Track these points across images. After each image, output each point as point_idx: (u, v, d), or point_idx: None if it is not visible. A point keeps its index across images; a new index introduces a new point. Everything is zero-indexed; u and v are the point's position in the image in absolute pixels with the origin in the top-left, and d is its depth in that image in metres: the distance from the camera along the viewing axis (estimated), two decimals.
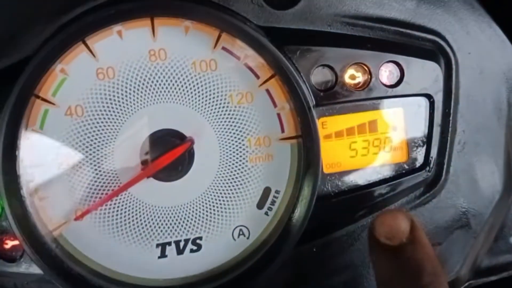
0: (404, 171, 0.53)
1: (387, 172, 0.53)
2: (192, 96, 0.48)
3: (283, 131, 0.50)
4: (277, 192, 0.51)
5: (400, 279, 0.42)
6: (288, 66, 0.46)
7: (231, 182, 0.50)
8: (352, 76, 0.51)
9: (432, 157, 0.53)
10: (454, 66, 0.53)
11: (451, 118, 0.54)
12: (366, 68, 0.51)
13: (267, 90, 0.49)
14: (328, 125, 0.51)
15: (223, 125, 0.49)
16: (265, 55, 0.48)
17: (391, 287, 0.42)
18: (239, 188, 0.51)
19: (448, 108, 0.53)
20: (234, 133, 0.50)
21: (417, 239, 0.43)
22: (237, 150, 0.50)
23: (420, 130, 0.53)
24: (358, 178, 0.53)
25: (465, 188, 0.56)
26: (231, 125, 0.49)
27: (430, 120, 0.53)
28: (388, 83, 0.52)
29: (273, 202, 0.51)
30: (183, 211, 0.50)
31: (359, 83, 0.51)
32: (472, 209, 0.56)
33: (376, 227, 0.43)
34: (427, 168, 0.54)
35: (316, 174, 0.48)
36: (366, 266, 0.54)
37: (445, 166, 0.54)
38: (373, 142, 0.52)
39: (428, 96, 0.53)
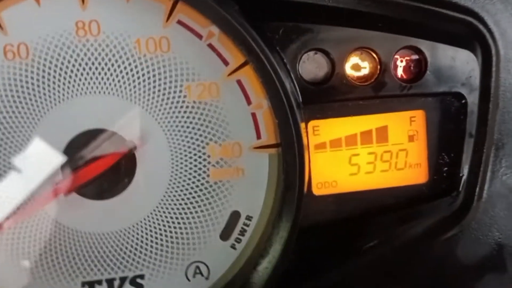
0: (423, 196, 0.46)
1: (400, 197, 0.46)
2: (134, 87, 0.41)
3: (259, 137, 0.43)
4: (248, 218, 0.44)
5: None
6: (263, 49, 0.38)
7: (186, 204, 0.43)
8: (356, 66, 0.44)
9: (461, 178, 0.46)
10: (494, 58, 0.45)
11: (488, 127, 0.46)
12: (375, 56, 0.44)
13: (239, 82, 0.42)
14: (321, 131, 0.45)
15: (177, 126, 0.42)
16: (234, 34, 0.40)
17: None
18: (196, 212, 0.43)
19: (485, 113, 0.45)
20: (192, 138, 0.42)
21: None
22: (195, 161, 0.43)
23: (446, 141, 0.46)
24: (360, 203, 0.46)
25: (503, 220, 0.48)
26: (188, 127, 0.42)
27: (460, 129, 0.46)
28: (404, 77, 0.45)
29: (242, 232, 0.44)
30: (119, 240, 0.42)
31: (364, 76, 0.44)
32: (510, 247, 0.48)
33: None
34: (455, 193, 0.46)
35: (297, 198, 0.40)
36: None
37: (477, 190, 0.46)
38: (381, 155, 0.46)
39: (459, 96, 0.45)
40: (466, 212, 0.46)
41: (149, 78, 0.40)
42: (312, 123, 0.44)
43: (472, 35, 0.44)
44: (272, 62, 0.38)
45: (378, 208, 0.45)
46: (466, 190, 0.46)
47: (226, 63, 0.41)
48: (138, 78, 0.40)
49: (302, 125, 0.41)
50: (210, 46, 0.40)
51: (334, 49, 0.42)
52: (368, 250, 0.45)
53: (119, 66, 0.40)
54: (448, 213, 0.46)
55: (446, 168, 0.46)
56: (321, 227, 0.45)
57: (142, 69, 0.40)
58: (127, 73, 0.40)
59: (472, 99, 0.45)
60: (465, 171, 0.46)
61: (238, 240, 0.43)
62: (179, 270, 0.43)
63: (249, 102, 0.42)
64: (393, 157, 0.45)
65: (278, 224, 0.40)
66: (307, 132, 0.43)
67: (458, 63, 0.44)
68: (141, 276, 0.42)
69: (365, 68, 0.44)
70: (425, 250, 0.45)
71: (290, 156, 0.38)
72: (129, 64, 0.40)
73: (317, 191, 0.45)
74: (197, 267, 0.43)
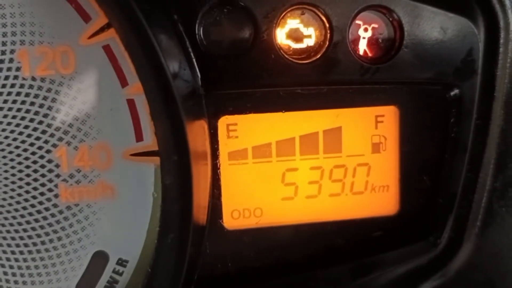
0: (390, 235, 0.36)
1: (357, 236, 0.37)
2: None
3: (140, 138, 0.32)
4: (121, 263, 0.33)
5: None
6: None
7: (21, 238, 0.32)
8: (294, 33, 0.33)
9: (449, 211, 0.36)
10: (502, 33, 0.35)
11: (489, 134, 0.36)
12: (323, 18, 0.33)
13: (107, 49, 0.31)
14: (240, 132, 0.34)
15: (4, 117, 0.31)
16: None
17: None
18: (38, 251, 0.32)
19: (486, 113, 0.36)
20: (29, 137, 0.31)
21: None
22: (35, 172, 0.32)
23: (427, 154, 0.37)
24: (297, 244, 0.35)
25: (504, 266, 0.38)
26: (22, 119, 0.31)
27: (449, 136, 0.36)
28: (369, 54, 0.35)
29: (111, 284, 0.33)
30: None
31: (308, 49, 0.33)
32: None
33: None
34: (436, 232, 0.36)
35: (182, 242, 0.28)
36: None
37: (468, 226, 0.37)
38: (331, 172, 0.35)
39: (449, 86, 0.35)
40: (450, 258, 0.37)
41: None
42: (224, 120, 0.33)
43: None
44: (137, 17, 0.25)
45: (321, 253, 0.36)
46: (453, 228, 0.36)
47: (86, 17, 0.30)
48: None
49: (200, 123, 0.30)
50: None
51: (258, 3, 0.31)
52: None
53: None
54: (425, 259, 0.37)
55: (425, 195, 0.36)
56: (234, 279, 0.34)
57: None
58: None
59: (470, 92, 0.35)
60: (454, 200, 0.36)
61: None
62: None
63: (124, 82, 0.31)
64: (349, 175, 0.36)
65: (151, 282, 0.28)
66: (213, 134, 0.32)
67: (451, 36, 0.35)
68: None
69: (309, 37, 0.33)
70: None
71: (169, 176, 0.26)
72: None
73: (230, 223, 0.34)
74: None
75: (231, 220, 0.35)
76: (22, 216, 0.32)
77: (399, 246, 0.37)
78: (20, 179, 0.31)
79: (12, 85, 0.30)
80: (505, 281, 0.40)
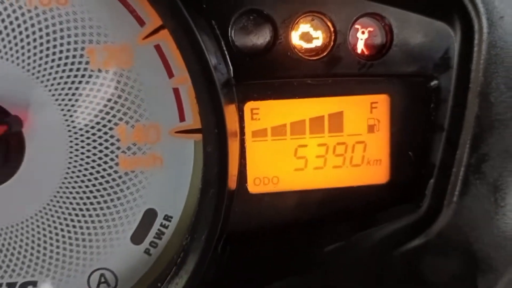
0: (382, 199, 0.39)
1: (355, 199, 0.39)
2: (22, 48, 0.33)
3: (182, 118, 0.36)
4: (167, 218, 0.37)
5: None
6: (176, 4, 0.30)
7: (88, 198, 0.36)
8: (306, 35, 0.36)
9: (428, 180, 0.39)
10: (476, 36, 0.38)
11: (465, 119, 0.38)
12: (329, 24, 0.37)
13: (158, 48, 0.35)
14: (262, 114, 0.37)
15: (76, 101, 0.35)
16: None
17: None
18: (102, 209, 0.36)
19: (462, 101, 0.38)
20: (96, 117, 0.35)
21: None
22: (100, 145, 0.36)
23: (412, 134, 0.39)
24: (306, 206, 0.39)
25: (475, 231, 0.41)
26: (90, 103, 0.35)
27: (430, 119, 0.39)
28: (365, 52, 0.38)
29: (159, 235, 0.37)
30: (5, 240, 0.35)
31: (316, 48, 0.37)
32: (483, 263, 0.41)
33: None
34: (419, 197, 0.39)
35: (217, 197, 0.32)
36: None
37: (446, 196, 0.39)
38: (334, 148, 0.39)
39: (430, 78, 0.38)
40: (432, 220, 0.39)
41: (41, 37, 0.33)
42: (249, 105, 0.36)
43: (450, 4, 0.37)
44: (188, 23, 0.29)
45: (327, 212, 0.38)
46: (433, 195, 0.39)
47: (141, 22, 0.34)
48: (27, 37, 0.33)
49: (232, 107, 0.34)
50: (122, 0, 0.33)
51: (277, 12, 0.34)
52: (313, 264, 0.37)
53: (2, 21, 0.32)
54: (411, 220, 0.39)
55: (411, 167, 0.39)
56: (257, 233, 0.37)
57: (33, 26, 0.33)
58: (12, 30, 0.32)
59: (446, 83, 0.37)
60: (433, 171, 0.38)
61: (153, 245, 0.37)
62: (79, 278, 0.36)
63: (170, 74, 0.35)
64: (348, 151, 0.38)
65: (195, 228, 0.32)
66: (241, 116, 0.36)
67: (432, 38, 0.37)
68: (33, 283, 0.36)
69: (317, 38, 0.36)
70: (383, 263, 0.38)
71: (210, 145, 0.30)
72: (16, 19, 0.32)
73: (253, 188, 0.37)
74: (102, 275, 0.36)
75: (253, 186, 0.38)
76: (89, 180, 0.35)
77: (389, 207, 0.39)
78: (88, 150, 0.35)
79: (82, 76, 0.34)
80: (479, 240, 0.40)
